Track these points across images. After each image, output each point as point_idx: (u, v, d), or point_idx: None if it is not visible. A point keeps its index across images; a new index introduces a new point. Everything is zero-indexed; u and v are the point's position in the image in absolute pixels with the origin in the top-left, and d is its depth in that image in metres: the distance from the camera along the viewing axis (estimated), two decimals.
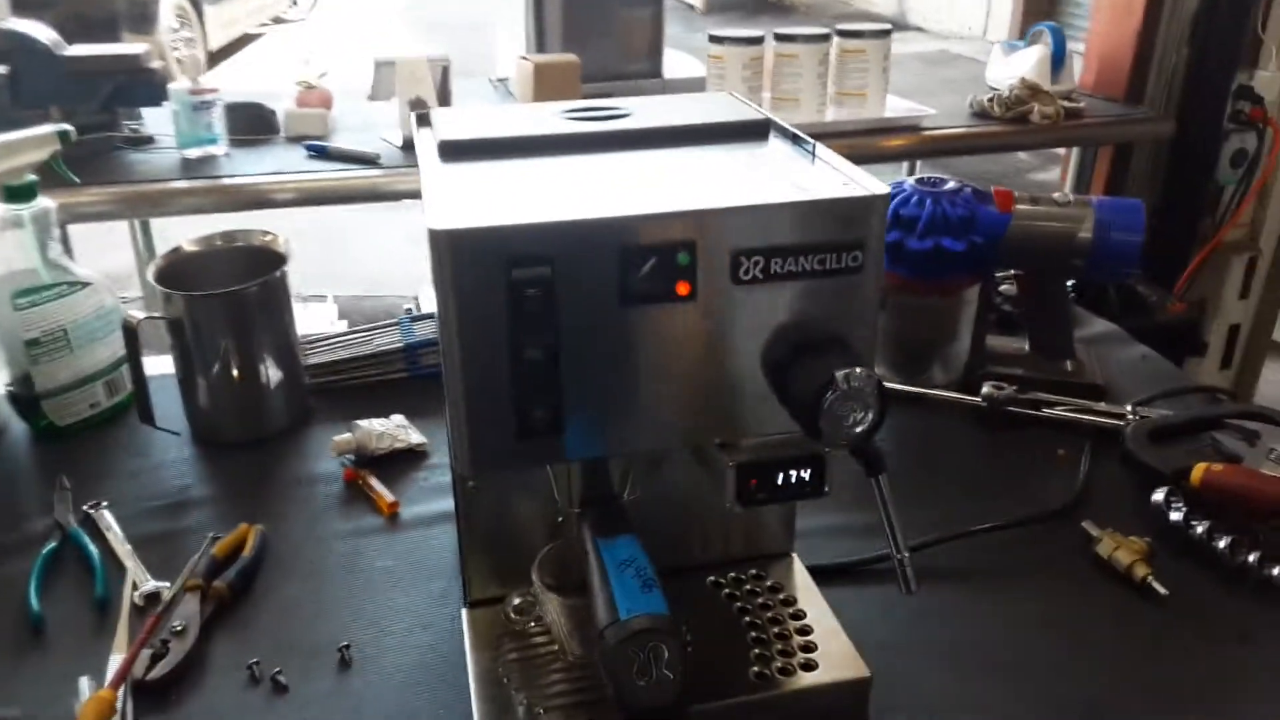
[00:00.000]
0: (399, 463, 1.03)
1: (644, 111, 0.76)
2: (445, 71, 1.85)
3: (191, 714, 0.76)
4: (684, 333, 0.60)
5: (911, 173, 2.25)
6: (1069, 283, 1.25)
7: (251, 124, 1.83)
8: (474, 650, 0.76)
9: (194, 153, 1.74)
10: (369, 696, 0.77)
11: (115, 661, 0.79)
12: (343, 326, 1.68)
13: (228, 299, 1.02)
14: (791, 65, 1.90)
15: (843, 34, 1.95)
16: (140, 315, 0.99)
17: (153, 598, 0.86)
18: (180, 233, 1.15)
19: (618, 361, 0.60)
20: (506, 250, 0.56)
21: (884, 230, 0.62)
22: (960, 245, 1.08)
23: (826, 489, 0.67)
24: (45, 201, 1.02)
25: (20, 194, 1.00)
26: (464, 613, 0.80)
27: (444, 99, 1.83)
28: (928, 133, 1.99)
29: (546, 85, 1.60)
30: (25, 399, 1.06)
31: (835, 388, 0.58)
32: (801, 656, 0.74)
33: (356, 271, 3.73)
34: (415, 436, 1.06)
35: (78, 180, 1.56)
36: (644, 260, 0.57)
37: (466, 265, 0.56)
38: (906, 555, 0.67)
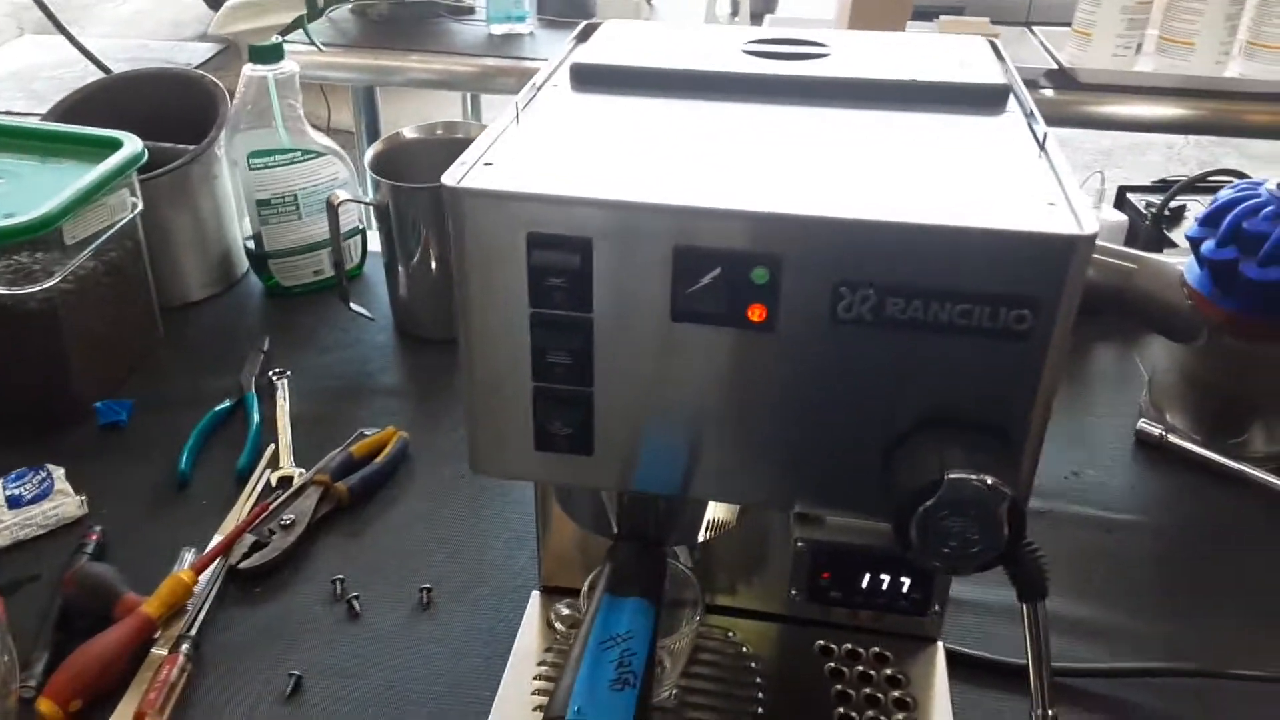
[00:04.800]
0: None
1: (849, 52, 0.59)
2: None
3: (268, 612, 0.76)
4: (756, 370, 0.45)
5: None
6: None
7: (566, 2, 1.76)
8: (521, 643, 0.68)
9: (499, 29, 1.70)
10: (429, 648, 0.73)
11: (217, 540, 0.80)
12: None
13: (432, 193, 0.97)
14: None
15: None
16: (344, 195, 0.97)
17: (285, 481, 0.87)
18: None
19: (666, 387, 0.46)
20: (527, 226, 0.44)
21: (1078, 286, 0.42)
22: None
23: (936, 608, 0.50)
24: (290, 65, 1.03)
25: (266, 55, 1.01)
26: (534, 594, 0.71)
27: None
28: None
29: (865, 11, 1.38)
30: (256, 255, 1.10)
31: (940, 493, 0.41)
32: None
33: None
34: None
35: (320, 46, 1.55)
36: (703, 270, 0.43)
37: (483, 234, 0.45)
38: (1052, 715, 0.49)
